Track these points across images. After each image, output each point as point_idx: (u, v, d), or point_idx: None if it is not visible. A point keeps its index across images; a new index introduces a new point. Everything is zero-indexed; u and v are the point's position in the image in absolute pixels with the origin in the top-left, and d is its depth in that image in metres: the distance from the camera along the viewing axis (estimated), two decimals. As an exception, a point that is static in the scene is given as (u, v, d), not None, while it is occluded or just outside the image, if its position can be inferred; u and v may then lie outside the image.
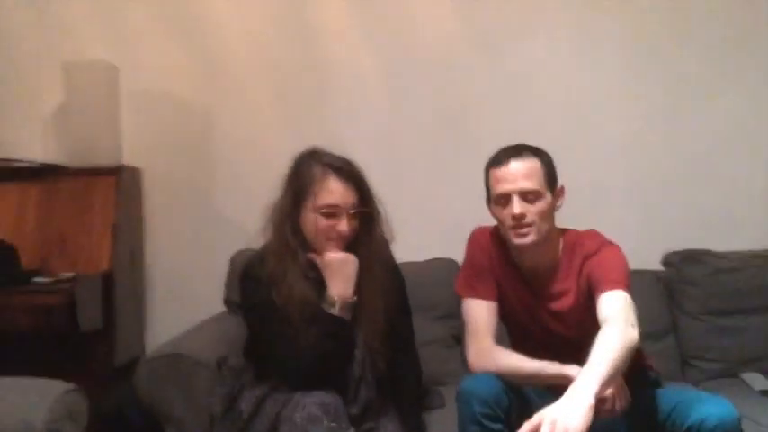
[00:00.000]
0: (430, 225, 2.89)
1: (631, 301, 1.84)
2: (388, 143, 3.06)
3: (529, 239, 1.96)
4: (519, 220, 1.94)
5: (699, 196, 2.98)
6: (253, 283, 2.11)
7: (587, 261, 1.97)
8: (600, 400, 1.71)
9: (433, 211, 2.97)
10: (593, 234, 2.05)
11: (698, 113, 3.00)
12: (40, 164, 2.91)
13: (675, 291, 2.77)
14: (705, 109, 3.00)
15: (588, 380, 1.59)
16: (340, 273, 2.07)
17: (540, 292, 2.04)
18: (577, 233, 2.06)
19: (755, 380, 2.51)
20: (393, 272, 2.22)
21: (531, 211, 1.95)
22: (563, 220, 2.17)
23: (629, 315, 1.80)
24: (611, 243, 2.02)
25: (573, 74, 3.05)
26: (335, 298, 2.05)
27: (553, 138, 2.89)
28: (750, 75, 3.00)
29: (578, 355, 1.72)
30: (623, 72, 3.03)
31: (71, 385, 1.73)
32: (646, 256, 2.84)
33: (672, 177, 3.00)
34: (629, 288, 1.88)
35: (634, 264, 2.75)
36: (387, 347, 2.11)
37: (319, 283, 2.07)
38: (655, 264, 2.85)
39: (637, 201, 3.01)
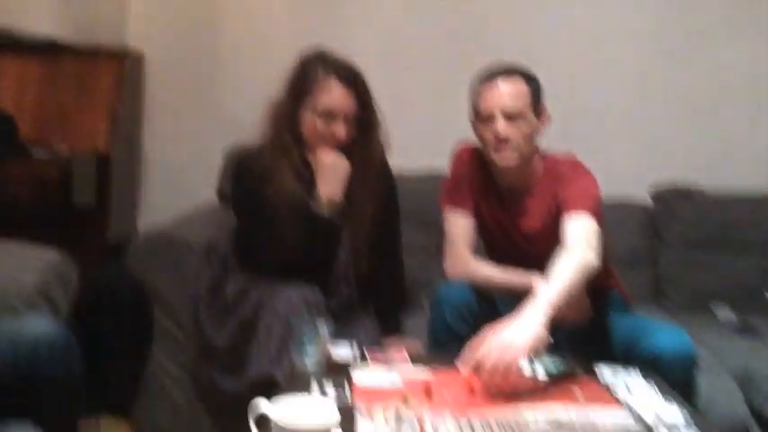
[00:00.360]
0: (427, 137, 2.91)
1: (595, 227, 1.89)
2: (396, 53, 3.06)
3: (509, 160, 1.99)
4: (500, 139, 1.96)
5: (692, 136, 3.00)
6: (246, 176, 2.15)
7: (560, 186, 2.00)
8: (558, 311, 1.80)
9: (433, 124, 2.99)
10: (570, 160, 2.07)
11: (700, 58, 3.00)
12: (44, 39, 2.88)
13: (660, 223, 2.83)
14: (708, 55, 3.00)
15: (539, 303, 1.67)
16: (331, 174, 2.10)
17: (512, 212, 2.08)
18: (555, 158, 2.08)
19: (724, 313, 2.61)
20: (386, 179, 2.26)
21: (514, 132, 1.97)
22: (555, 143, 2.20)
23: (590, 239, 1.85)
24: (586, 171, 2.04)
25: (586, 6, 3.03)
26: (323, 198, 2.09)
27: (558, 64, 2.95)
28: (761, 27, 2.97)
29: (545, 270, 1.79)
30: (635, 9, 3.02)
31: (62, 253, 1.78)
32: (636, 188, 2.92)
33: (668, 116, 3.01)
34: (598, 215, 1.92)
35: (624, 194, 2.86)
36: (371, 250, 2.17)
37: (311, 183, 2.11)
38: (644, 196, 2.92)
39: (633, 135, 3.04)
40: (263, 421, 1.18)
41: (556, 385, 1.66)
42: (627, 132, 3.04)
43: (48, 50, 2.85)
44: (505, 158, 1.99)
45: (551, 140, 2.17)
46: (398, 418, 1.13)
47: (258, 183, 2.10)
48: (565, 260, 1.77)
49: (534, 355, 1.62)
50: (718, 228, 2.77)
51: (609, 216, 2.64)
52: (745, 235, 2.77)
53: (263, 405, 1.14)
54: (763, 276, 2.72)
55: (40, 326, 1.38)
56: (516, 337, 1.59)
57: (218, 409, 2.26)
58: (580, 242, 1.83)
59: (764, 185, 2.89)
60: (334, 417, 1.12)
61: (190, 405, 2.36)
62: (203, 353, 2.22)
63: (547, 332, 1.64)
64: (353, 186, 2.14)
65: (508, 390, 1.56)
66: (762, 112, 2.99)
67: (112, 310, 2.58)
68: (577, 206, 1.91)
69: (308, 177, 2.12)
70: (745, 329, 2.48)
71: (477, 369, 1.58)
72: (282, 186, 2.08)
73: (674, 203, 2.83)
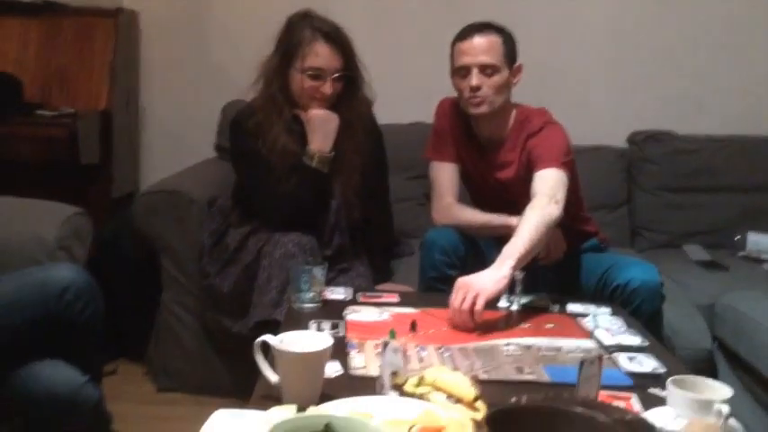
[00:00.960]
0: (412, 92, 3.01)
1: (563, 178, 2.03)
2: (381, 11, 3.14)
3: (482, 109, 2.12)
4: (475, 91, 2.09)
5: (668, 82, 3.11)
6: (241, 133, 2.29)
7: (530, 138, 2.13)
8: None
9: (417, 79, 3.08)
10: (540, 112, 2.20)
11: (674, 9, 3.10)
12: (42, 0, 2.97)
13: (635, 167, 2.98)
14: (682, 6, 3.09)
15: (506, 256, 1.83)
16: (321, 129, 2.25)
17: (490, 161, 2.22)
18: (528, 110, 2.21)
19: (695, 251, 2.77)
20: (373, 132, 2.40)
21: (488, 83, 2.09)
22: (540, 95, 2.34)
23: (555, 192, 1.99)
24: (555, 122, 2.17)
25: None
26: (315, 151, 2.23)
27: (540, 18, 3.04)
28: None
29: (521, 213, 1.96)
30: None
31: (78, 209, 1.93)
32: (613, 134, 3.04)
33: (645, 63, 3.12)
34: (567, 165, 2.05)
35: (601, 140, 3.00)
36: (361, 200, 2.32)
37: (302, 138, 2.26)
38: (621, 142, 3.05)
39: (610, 82, 3.15)
40: (266, 353, 1.34)
41: (529, 319, 1.83)
42: (606, 83, 3.15)
43: (46, 11, 2.93)
44: (478, 108, 2.12)
45: (534, 92, 2.30)
46: (385, 348, 1.29)
47: (252, 139, 2.24)
48: (529, 216, 1.92)
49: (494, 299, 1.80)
50: (691, 171, 2.92)
51: (586, 161, 2.81)
52: (717, 177, 2.92)
53: (266, 337, 1.30)
54: (734, 217, 2.88)
55: (65, 272, 1.54)
56: (482, 285, 1.76)
57: (227, 349, 2.45)
58: (544, 197, 1.97)
59: (737, 132, 3.02)
60: (328, 342, 1.28)
61: (199, 347, 2.55)
62: (210, 299, 2.40)
63: (508, 283, 1.81)
64: (342, 140, 2.28)
65: (472, 328, 1.74)
66: (736, 61, 3.09)
67: (121, 262, 2.74)
68: (545, 161, 2.04)
69: (298, 132, 2.26)
70: (714, 266, 2.65)
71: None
72: (275, 141, 2.23)
73: (649, 147, 2.96)
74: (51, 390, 1.46)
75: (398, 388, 1.22)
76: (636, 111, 3.11)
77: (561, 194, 1.99)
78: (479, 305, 1.73)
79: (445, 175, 2.26)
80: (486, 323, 1.77)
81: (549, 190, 1.99)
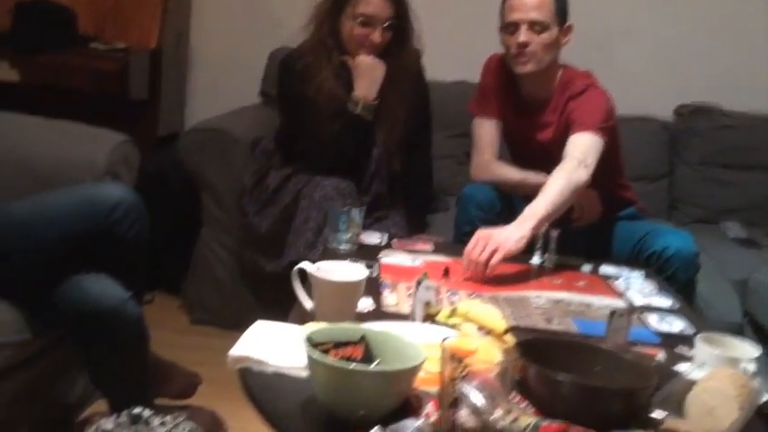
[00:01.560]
0: (458, 50, 3.00)
1: (597, 144, 2.00)
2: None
3: (528, 68, 2.10)
4: (522, 47, 2.08)
5: (718, 56, 3.06)
6: (289, 74, 2.32)
7: (571, 100, 2.11)
8: (569, 211, 2.01)
9: (463, 37, 3.06)
10: (585, 75, 2.18)
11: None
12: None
13: (679, 140, 2.95)
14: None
15: (528, 216, 1.84)
16: (367, 76, 2.27)
17: (532, 121, 2.21)
18: (573, 72, 2.19)
19: (732, 228, 2.75)
20: (419, 85, 2.42)
21: (536, 41, 2.07)
22: (588, 59, 2.31)
23: (586, 156, 1.97)
24: (597, 86, 2.14)
25: None
26: (359, 98, 2.26)
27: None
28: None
29: None
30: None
31: (127, 137, 1.97)
32: (660, 105, 3.01)
33: (697, 35, 3.07)
34: (604, 131, 2.02)
35: (647, 111, 2.97)
36: (403, 151, 2.34)
37: (348, 84, 2.28)
38: (667, 114, 3.02)
39: (660, 53, 3.10)
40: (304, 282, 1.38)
41: (561, 276, 1.85)
42: (656, 54, 3.10)
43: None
44: (524, 66, 2.10)
45: (582, 56, 2.29)
46: (419, 285, 1.32)
47: (299, 81, 2.27)
48: (556, 178, 1.92)
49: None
50: (735, 147, 2.89)
51: (630, 131, 2.78)
52: (760, 155, 2.88)
53: (303, 264, 1.34)
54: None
55: (116, 190, 1.59)
56: (502, 240, 1.76)
57: (260, 287, 2.52)
58: (574, 161, 1.96)
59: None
60: (364, 273, 1.32)
61: (234, 284, 2.62)
62: (247, 237, 2.46)
63: (526, 242, 1.80)
64: (387, 89, 2.29)
65: (483, 280, 1.73)
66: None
67: (164, 197, 2.81)
68: (582, 124, 2.03)
69: (345, 78, 2.28)
70: (750, 244, 2.63)
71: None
72: (321, 85, 2.25)
73: (695, 121, 2.93)
74: (96, 302, 1.52)
75: (431, 318, 1.25)
76: (684, 83, 3.07)
77: (592, 159, 1.98)
78: (496, 259, 1.73)
79: (486, 131, 2.27)
80: (516, 275, 1.80)
81: (580, 154, 1.98)
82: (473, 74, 2.37)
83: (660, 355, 1.40)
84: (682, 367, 1.21)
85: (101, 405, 1.77)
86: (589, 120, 2.03)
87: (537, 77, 2.15)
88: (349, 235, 1.87)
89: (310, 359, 0.91)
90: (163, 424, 1.39)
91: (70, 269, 1.55)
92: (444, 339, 0.88)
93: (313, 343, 0.93)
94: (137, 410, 1.43)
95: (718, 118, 2.91)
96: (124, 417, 1.42)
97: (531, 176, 2.15)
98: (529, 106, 2.23)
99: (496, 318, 1.18)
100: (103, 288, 1.54)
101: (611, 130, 2.09)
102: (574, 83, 2.15)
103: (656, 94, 3.06)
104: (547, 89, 2.18)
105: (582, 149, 1.99)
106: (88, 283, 1.54)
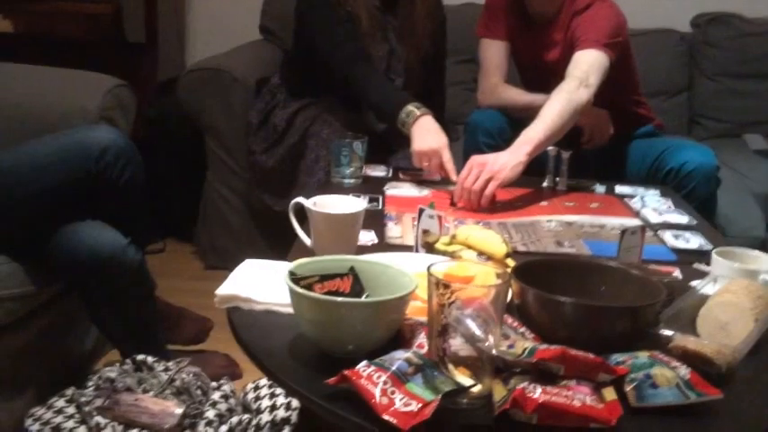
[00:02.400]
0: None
1: (602, 61, 1.88)
2: None
3: None
4: None
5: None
6: None
7: (576, 16, 2.00)
8: (579, 134, 1.92)
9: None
10: None
11: None
12: None
13: (697, 51, 2.83)
14: None
15: (524, 141, 1.73)
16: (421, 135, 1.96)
17: (539, 40, 2.11)
18: None
19: (755, 140, 2.65)
20: (438, 6, 2.30)
21: None
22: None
23: (588, 75, 1.85)
24: (604, 2, 2.01)
25: None
26: (406, 120, 1.94)
27: None
28: None
29: None
30: None
31: (121, 81, 1.91)
32: (677, 16, 2.88)
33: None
34: (611, 46, 1.91)
35: (664, 23, 2.84)
36: (425, 69, 2.23)
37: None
38: (684, 25, 2.89)
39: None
40: (302, 219, 1.34)
41: (574, 199, 1.78)
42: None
43: None
44: None
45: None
46: (421, 213, 1.27)
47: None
48: (554, 100, 1.81)
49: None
50: (757, 56, 2.76)
51: (647, 45, 2.67)
52: (783, 63, 2.76)
53: (299, 199, 1.30)
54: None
55: (105, 133, 1.54)
56: (497, 168, 1.66)
57: (270, 227, 2.48)
58: (575, 80, 1.85)
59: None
60: (361, 206, 1.26)
61: (245, 226, 2.59)
62: (255, 178, 2.41)
63: (523, 168, 1.70)
64: (408, 9, 2.16)
65: (478, 208, 1.64)
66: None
67: (168, 143, 2.77)
68: (585, 41, 1.92)
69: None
70: (774, 156, 2.54)
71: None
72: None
73: (713, 30, 2.80)
74: (94, 249, 1.49)
75: (429, 246, 1.20)
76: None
77: (595, 78, 1.86)
78: (490, 189, 1.64)
79: (494, 53, 2.17)
80: (527, 200, 1.73)
81: (581, 73, 1.86)
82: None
83: (676, 273, 1.34)
84: (696, 283, 1.15)
85: (115, 355, 1.77)
86: (593, 36, 1.92)
87: None
88: (352, 169, 1.82)
89: (292, 294, 0.87)
90: (167, 369, 1.38)
91: (65, 218, 1.52)
92: (430, 266, 0.83)
93: (297, 277, 0.88)
94: (140, 357, 1.41)
95: (737, 26, 2.78)
96: (128, 364, 1.41)
97: (538, 98, 2.04)
98: (536, 25, 2.12)
99: (497, 242, 1.12)
100: (100, 235, 1.51)
101: (620, 45, 1.97)
102: None
103: (673, 4, 2.92)
104: (554, 4, 2.07)
105: (583, 68, 1.87)
106: (84, 231, 1.51)
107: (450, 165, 1.82)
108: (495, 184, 1.65)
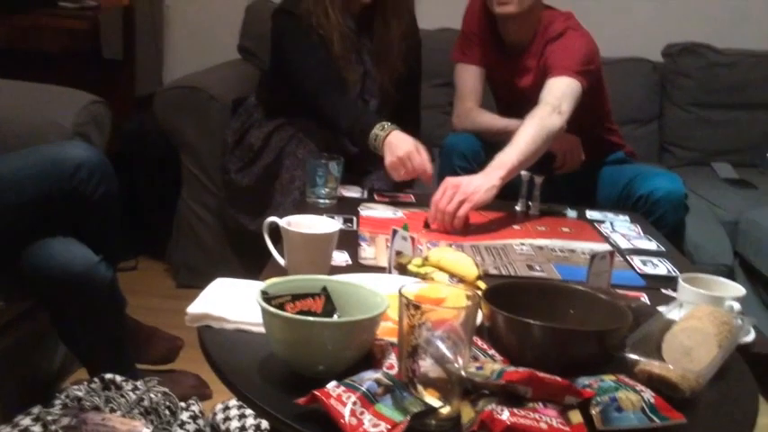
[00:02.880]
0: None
1: (574, 88, 1.90)
2: None
3: (509, 8, 2.01)
4: None
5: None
6: (290, 18, 2.14)
7: (549, 44, 2.03)
8: (552, 159, 1.96)
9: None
10: (565, 17, 2.09)
11: None
12: None
13: (669, 81, 2.88)
14: None
15: (497, 165, 1.75)
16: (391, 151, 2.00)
17: (513, 66, 2.14)
18: (553, 14, 2.10)
19: (723, 169, 2.70)
20: (413, 29, 2.31)
21: None
22: (576, 1, 2.22)
23: (561, 102, 1.87)
24: (578, 28, 2.05)
25: None
26: (379, 143, 1.98)
27: None
28: None
29: None
30: None
31: (97, 97, 1.91)
32: (649, 46, 2.93)
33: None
34: (582, 74, 1.93)
35: (636, 52, 2.89)
36: (398, 90, 2.24)
37: (352, 18, 2.14)
38: (656, 55, 2.95)
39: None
40: (277, 238, 1.34)
41: (545, 223, 1.80)
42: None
43: None
44: (505, 7, 2.01)
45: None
46: (395, 234, 1.28)
47: (300, 21, 2.10)
48: (528, 126, 1.82)
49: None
50: (726, 86, 2.82)
51: (619, 73, 2.73)
52: (752, 94, 2.82)
53: (274, 218, 1.30)
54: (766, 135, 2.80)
55: (79, 150, 1.53)
56: (471, 191, 1.67)
57: (244, 247, 2.47)
58: (547, 106, 1.87)
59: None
60: (335, 226, 1.27)
61: (218, 245, 2.57)
62: (229, 197, 2.40)
63: (496, 192, 1.71)
64: (383, 31, 2.17)
65: (451, 230, 1.65)
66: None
67: (144, 160, 2.76)
68: (558, 68, 1.94)
69: (349, 21, 2.14)
70: (742, 184, 2.58)
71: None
72: (329, 22, 2.09)
73: (684, 60, 2.85)
74: (65, 266, 1.48)
75: (402, 268, 1.21)
76: (673, 22, 2.99)
77: (567, 105, 1.88)
78: (463, 211, 1.65)
79: (469, 78, 2.20)
80: (500, 223, 1.75)
81: (554, 99, 1.88)
82: (457, 21, 2.30)
83: (644, 298, 1.37)
84: (662, 308, 1.17)
85: (83, 373, 1.75)
86: (565, 63, 1.95)
87: (518, 20, 2.07)
88: (327, 190, 1.83)
89: (264, 312, 0.87)
90: (135, 388, 1.37)
91: (38, 234, 1.51)
92: (402, 287, 0.84)
93: (269, 296, 0.89)
94: (109, 376, 1.40)
95: (708, 56, 2.84)
96: (96, 383, 1.39)
97: (513, 124, 2.07)
98: (511, 50, 2.16)
99: (468, 265, 1.13)
100: (72, 252, 1.50)
101: (592, 73, 2.00)
102: (553, 25, 2.07)
103: (645, 34, 2.98)
104: (528, 32, 2.10)
105: (556, 95, 1.90)
106: (56, 247, 1.50)
107: (427, 162, 1.87)
108: (468, 206, 1.66)
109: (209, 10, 3.17)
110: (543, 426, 0.80)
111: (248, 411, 1.49)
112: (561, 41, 2.02)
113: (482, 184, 1.71)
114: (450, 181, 1.71)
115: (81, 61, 2.69)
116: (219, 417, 1.52)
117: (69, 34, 2.63)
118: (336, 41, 2.12)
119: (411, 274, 1.19)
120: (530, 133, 1.81)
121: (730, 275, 2.27)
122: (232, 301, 1.05)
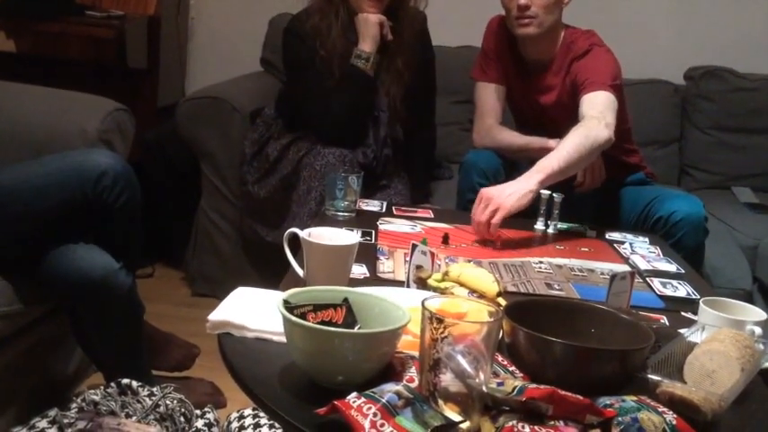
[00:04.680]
0: (462, 14, 2.92)
1: (613, 101, 1.92)
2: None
3: (529, 30, 2.02)
4: (523, 10, 2.00)
5: (731, 17, 2.98)
6: (297, 38, 2.26)
7: (575, 62, 2.04)
8: (572, 177, 1.94)
9: (468, 0, 3.00)
10: (588, 34, 2.10)
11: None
12: None
13: (690, 104, 2.87)
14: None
15: (537, 169, 1.75)
16: (370, 31, 2.21)
17: (534, 84, 2.15)
18: (575, 32, 2.11)
19: (743, 193, 2.68)
20: (425, 46, 2.37)
21: (537, 2, 1.99)
22: (595, 21, 2.23)
23: (605, 115, 1.88)
24: (602, 45, 2.06)
25: None
26: (360, 51, 2.21)
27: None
28: None
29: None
30: None
31: (121, 105, 1.93)
32: (671, 68, 2.93)
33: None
34: (615, 88, 1.95)
35: (657, 74, 2.89)
36: (407, 110, 2.30)
37: (355, 43, 2.23)
38: (678, 77, 2.94)
39: (672, 14, 3.02)
40: (295, 249, 1.35)
41: (565, 242, 1.80)
42: (667, 15, 3.02)
43: None
44: (526, 29, 2.03)
45: (589, 17, 2.22)
46: (414, 249, 1.28)
47: (309, 43, 2.22)
48: (573, 135, 1.82)
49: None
50: (748, 111, 2.80)
51: (640, 95, 2.72)
52: (770, 118, 2.80)
53: (294, 229, 1.30)
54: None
55: (103, 157, 1.54)
56: (503, 200, 1.69)
57: (261, 258, 2.48)
58: (593, 119, 1.87)
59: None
60: (355, 239, 1.27)
61: (235, 255, 2.58)
62: (247, 208, 2.42)
63: (532, 197, 1.72)
64: (392, 48, 2.25)
65: (491, 241, 1.69)
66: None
67: (165, 168, 2.77)
68: (593, 83, 1.95)
69: (353, 39, 2.23)
70: (762, 209, 2.56)
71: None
72: (335, 43, 2.21)
73: (706, 84, 2.84)
74: (86, 272, 1.49)
75: (422, 282, 1.21)
76: (696, 46, 2.98)
77: (611, 117, 1.89)
78: (497, 219, 1.68)
79: (489, 96, 2.21)
80: (518, 241, 1.75)
81: (597, 113, 1.89)
82: (478, 39, 2.31)
83: (663, 320, 1.36)
84: (684, 330, 1.16)
85: (98, 378, 1.75)
86: (599, 78, 1.96)
87: (539, 40, 2.08)
88: (346, 203, 1.83)
89: (285, 321, 0.88)
90: (151, 395, 1.37)
91: (59, 239, 1.52)
92: (425, 300, 0.84)
93: (291, 306, 0.89)
94: (125, 381, 1.40)
95: (730, 80, 2.83)
96: (112, 388, 1.40)
97: (534, 141, 2.09)
98: (531, 69, 2.16)
99: (488, 281, 1.13)
100: (92, 258, 1.51)
101: (620, 89, 2.02)
102: (576, 43, 2.08)
103: (667, 56, 2.98)
104: (549, 51, 2.11)
105: (599, 108, 1.90)
106: (77, 253, 1.51)
107: None
108: (501, 213, 1.68)
109: (234, 22, 3.20)
110: (563, 444, 0.79)
111: (263, 420, 1.49)
112: (589, 57, 2.03)
113: (517, 189, 1.72)
114: (484, 191, 1.74)
115: (105, 70, 2.72)
116: (234, 425, 1.52)
117: (95, 43, 2.66)
118: (336, 63, 2.21)
119: (431, 289, 1.19)
120: (574, 141, 1.81)
121: (749, 300, 2.25)
122: (253, 310, 1.06)
